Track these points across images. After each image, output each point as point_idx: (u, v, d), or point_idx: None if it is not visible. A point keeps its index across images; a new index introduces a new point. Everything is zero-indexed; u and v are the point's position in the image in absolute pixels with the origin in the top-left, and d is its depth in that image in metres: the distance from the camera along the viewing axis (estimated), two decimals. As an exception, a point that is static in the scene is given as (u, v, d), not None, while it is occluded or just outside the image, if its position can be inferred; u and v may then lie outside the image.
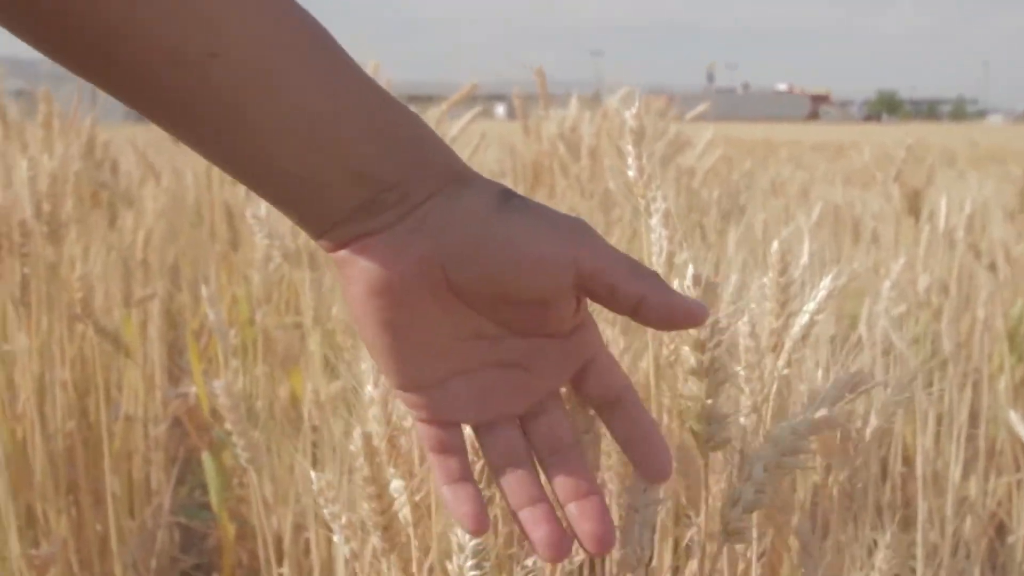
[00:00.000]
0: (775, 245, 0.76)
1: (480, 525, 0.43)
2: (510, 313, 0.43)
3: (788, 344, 0.74)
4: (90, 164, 1.43)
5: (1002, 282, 1.66)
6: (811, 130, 17.51)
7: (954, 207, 1.98)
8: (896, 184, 2.03)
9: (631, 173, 0.74)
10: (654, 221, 0.74)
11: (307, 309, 1.04)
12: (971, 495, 1.48)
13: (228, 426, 0.83)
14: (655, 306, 0.43)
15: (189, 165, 2.18)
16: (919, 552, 1.24)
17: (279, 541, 1.22)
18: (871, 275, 1.63)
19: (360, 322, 0.42)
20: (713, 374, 0.52)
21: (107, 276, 1.41)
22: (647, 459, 0.45)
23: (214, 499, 1.33)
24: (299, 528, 1.24)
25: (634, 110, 0.77)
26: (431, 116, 1.75)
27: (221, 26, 0.38)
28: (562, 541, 0.43)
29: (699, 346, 0.51)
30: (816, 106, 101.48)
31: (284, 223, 1.06)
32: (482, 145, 2.06)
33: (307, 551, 1.23)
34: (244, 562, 1.69)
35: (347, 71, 0.41)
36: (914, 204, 2.25)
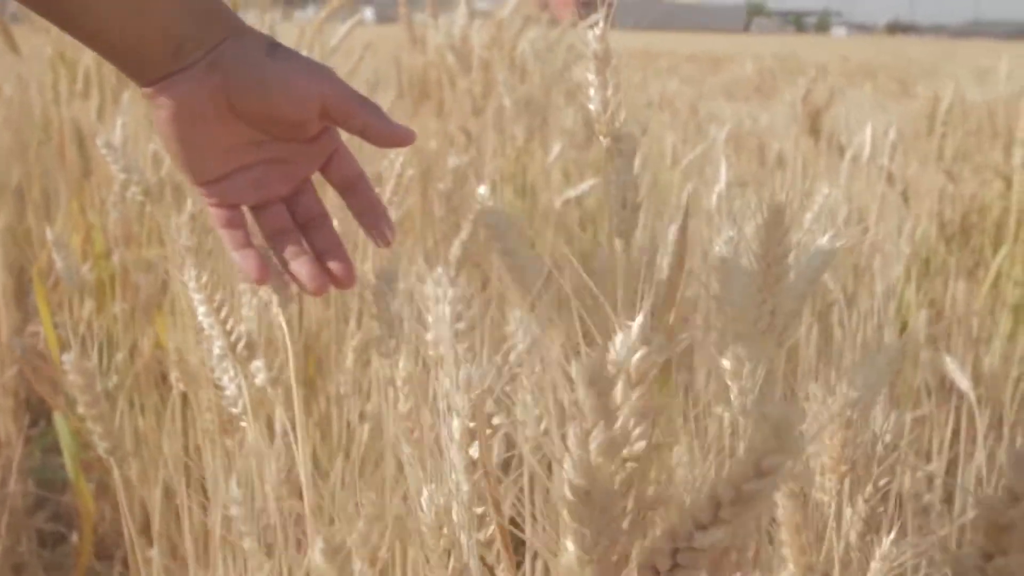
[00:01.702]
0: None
1: (262, 274, 0.59)
2: (274, 127, 0.57)
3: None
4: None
5: (912, 210, 1.59)
6: (688, 40, 17.51)
7: (862, 134, 1.91)
8: (802, 104, 1.94)
9: (593, 106, 0.62)
10: (630, 163, 0.62)
11: (173, 253, 0.88)
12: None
13: (81, 410, 0.68)
14: (376, 130, 0.57)
15: (33, 76, 1.95)
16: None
17: (146, 515, 1.08)
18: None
19: (165, 139, 0.56)
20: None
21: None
22: (375, 227, 0.61)
23: (69, 464, 1.18)
24: (169, 495, 1.11)
25: (599, 30, 0.64)
26: (311, 25, 1.58)
27: None
28: (320, 279, 0.59)
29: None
30: (749, 19, 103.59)
31: (142, 153, 0.90)
32: (365, 54, 1.88)
33: (178, 520, 1.09)
34: (107, 516, 1.54)
35: None
36: (815, 123, 2.18)
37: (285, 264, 0.60)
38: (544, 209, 1.87)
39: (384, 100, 2.13)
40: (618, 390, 0.37)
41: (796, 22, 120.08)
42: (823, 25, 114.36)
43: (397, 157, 0.97)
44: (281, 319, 0.60)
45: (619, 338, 0.38)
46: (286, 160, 0.59)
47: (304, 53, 1.43)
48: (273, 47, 0.56)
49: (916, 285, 1.79)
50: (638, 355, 0.37)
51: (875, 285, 1.24)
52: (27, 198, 1.98)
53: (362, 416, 0.96)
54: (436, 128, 1.83)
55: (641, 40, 12.51)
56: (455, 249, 1.00)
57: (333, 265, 0.60)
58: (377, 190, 1.07)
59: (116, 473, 0.68)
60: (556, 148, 1.78)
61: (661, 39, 16.57)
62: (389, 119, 0.58)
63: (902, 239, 1.31)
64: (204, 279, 0.64)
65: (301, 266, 0.59)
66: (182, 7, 0.54)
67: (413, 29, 1.91)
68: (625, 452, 0.37)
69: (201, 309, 0.64)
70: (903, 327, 1.68)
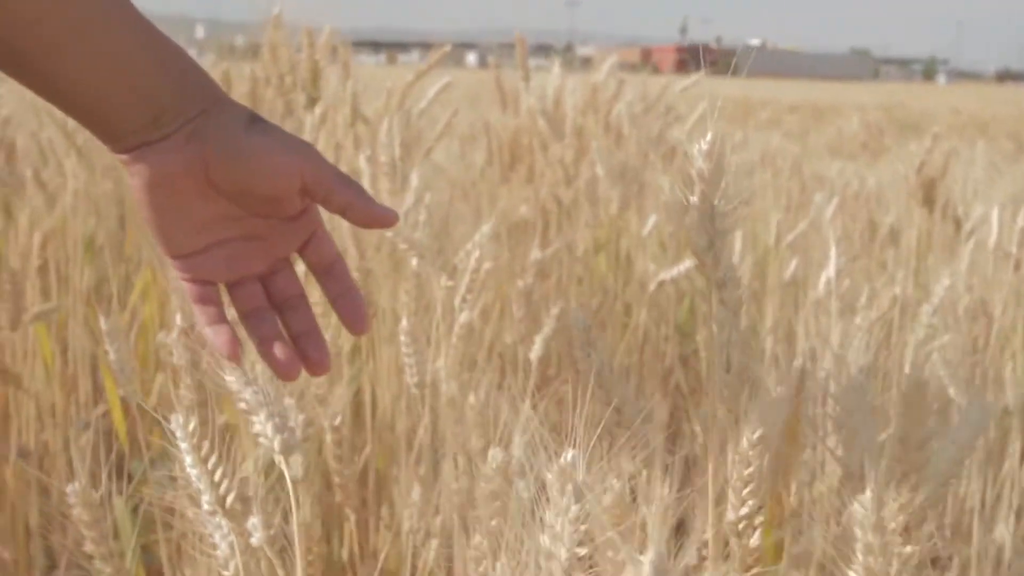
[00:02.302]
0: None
1: (233, 351, 0.56)
2: (252, 202, 0.55)
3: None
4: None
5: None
6: (790, 88, 17.26)
7: (980, 206, 1.77)
8: (916, 175, 1.82)
9: (697, 239, 0.52)
10: (736, 317, 0.52)
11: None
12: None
13: (88, 547, 0.61)
14: (358, 210, 0.56)
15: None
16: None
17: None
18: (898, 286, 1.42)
19: (140, 207, 0.54)
20: None
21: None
22: (348, 313, 0.58)
23: (126, 551, 1.12)
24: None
25: (705, 143, 0.54)
26: (404, 83, 1.52)
27: None
28: (293, 365, 0.57)
29: None
30: (876, 68, 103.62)
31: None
32: (450, 107, 1.81)
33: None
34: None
35: (136, 18, 0.52)
36: (929, 193, 2.05)
37: (258, 345, 0.58)
38: (639, 279, 1.78)
39: (475, 162, 2.07)
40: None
41: (901, 69, 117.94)
42: (930, 73, 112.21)
43: (474, 250, 0.89)
44: (285, 469, 0.51)
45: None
46: (263, 237, 0.57)
47: (386, 119, 1.37)
48: (253, 120, 0.55)
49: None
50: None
51: (1002, 390, 1.12)
52: (118, 255, 1.97)
53: (429, 534, 0.88)
54: (526, 195, 1.76)
55: (744, 88, 12.33)
56: (536, 348, 0.92)
57: (308, 350, 0.58)
58: (450, 283, 1.00)
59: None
60: (652, 219, 1.69)
61: (763, 87, 16.35)
62: (371, 198, 0.57)
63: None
64: (192, 425, 0.56)
65: (277, 351, 0.57)
66: (164, 76, 0.53)
67: (504, 91, 1.84)
68: None
69: (187, 459, 0.56)
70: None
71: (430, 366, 0.90)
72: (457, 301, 0.87)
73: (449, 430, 0.86)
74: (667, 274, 1.31)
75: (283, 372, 0.57)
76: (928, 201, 2.04)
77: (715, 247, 0.54)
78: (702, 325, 1.61)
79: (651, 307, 1.72)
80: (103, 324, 0.89)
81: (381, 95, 1.66)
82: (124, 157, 0.53)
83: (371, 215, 0.56)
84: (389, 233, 0.91)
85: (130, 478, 1.39)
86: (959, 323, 1.25)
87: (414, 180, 1.21)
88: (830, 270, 1.28)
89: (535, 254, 0.99)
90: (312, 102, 1.33)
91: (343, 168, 1.60)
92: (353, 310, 0.59)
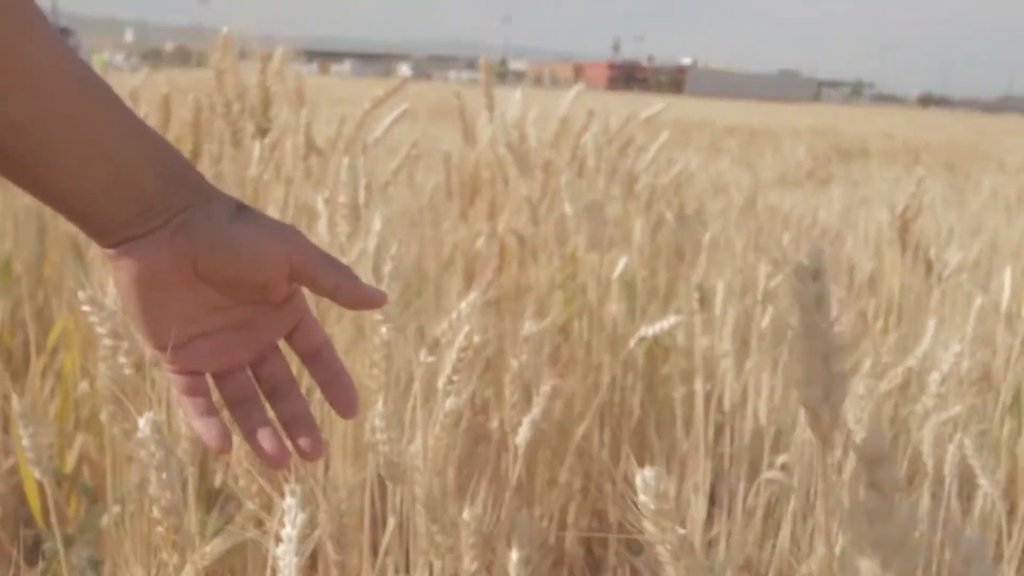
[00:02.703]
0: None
1: (224, 445, 0.56)
2: (240, 291, 0.56)
3: None
4: None
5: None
6: (722, 108, 17.38)
7: (954, 249, 1.70)
8: (898, 219, 1.74)
9: (814, 394, 0.40)
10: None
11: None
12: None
13: None
14: (346, 292, 0.57)
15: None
16: None
17: None
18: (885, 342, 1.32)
19: (126, 301, 0.55)
20: None
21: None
22: (338, 398, 0.59)
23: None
24: None
25: (810, 258, 0.42)
26: (353, 119, 1.39)
27: (40, 96, 0.49)
28: (282, 453, 0.57)
29: None
30: (818, 90, 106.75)
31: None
32: (407, 147, 1.69)
33: None
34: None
35: (124, 113, 0.52)
36: (903, 236, 1.98)
37: (247, 435, 0.57)
38: (606, 326, 1.66)
39: (426, 191, 1.95)
40: None
41: (837, 90, 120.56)
42: (856, 96, 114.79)
43: (460, 323, 0.76)
44: None
45: None
46: (250, 326, 0.57)
47: (345, 156, 1.24)
48: (240, 209, 0.55)
49: None
50: None
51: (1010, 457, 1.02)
52: (36, 277, 1.81)
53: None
54: (487, 230, 1.64)
55: (679, 108, 12.34)
56: (524, 431, 0.80)
57: (298, 437, 0.58)
58: (432, 358, 0.87)
59: None
60: (622, 261, 1.58)
61: (697, 106, 16.48)
62: (359, 280, 0.57)
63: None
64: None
65: (264, 440, 0.57)
66: (151, 171, 0.53)
67: (467, 123, 1.71)
68: None
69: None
70: None
71: (405, 453, 0.77)
72: (442, 383, 0.74)
73: (426, 536, 0.74)
74: (650, 330, 1.19)
75: (272, 461, 0.56)
76: (901, 242, 1.97)
77: (832, 398, 0.42)
78: (679, 382, 1.50)
79: (626, 368, 1.61)
80: (16, 405, 0.75)
81: (329, 116, 1.53)
82: (110, 252, 0.53)
83: (359, 297, 0.57)
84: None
85: (44, 556, 1.24)
86: (963, 390, 1.16)
87: (376, 224, 1.09)
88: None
89: (529, 327, 0.87)
90: (263, 132, 1.20)
91: (294, 206, 1.47)
92: (342, 395, 0.58)
